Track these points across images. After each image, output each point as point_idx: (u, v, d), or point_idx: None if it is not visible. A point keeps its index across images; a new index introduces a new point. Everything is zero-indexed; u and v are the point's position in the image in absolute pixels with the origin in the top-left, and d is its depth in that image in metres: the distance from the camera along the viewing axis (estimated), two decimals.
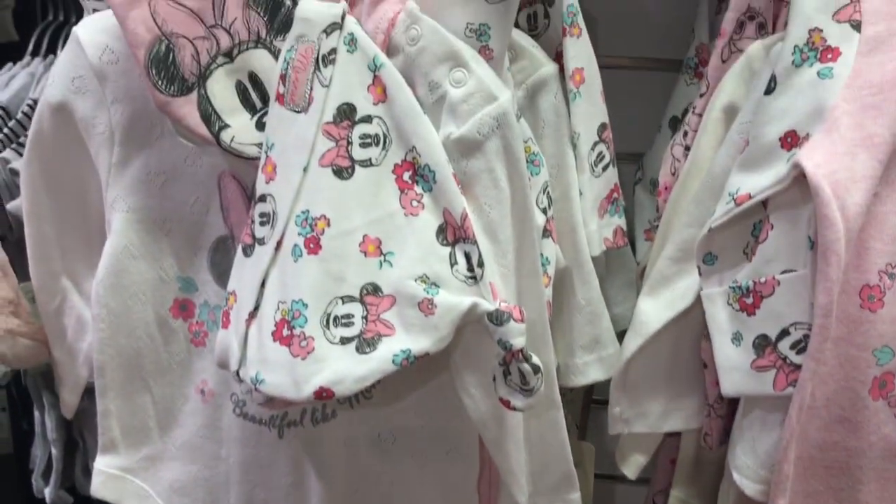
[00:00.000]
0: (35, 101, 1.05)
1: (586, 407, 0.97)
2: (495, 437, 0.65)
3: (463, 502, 0.73)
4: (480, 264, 0.60)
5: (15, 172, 1.01)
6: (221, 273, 0.71)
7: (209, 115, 0.64)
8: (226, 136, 0.64)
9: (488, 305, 0.60)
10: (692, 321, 0.71)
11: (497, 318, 0.59)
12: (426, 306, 0.59)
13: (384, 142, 0.61)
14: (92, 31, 0.67)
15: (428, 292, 0.59)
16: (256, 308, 0.63)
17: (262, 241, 0.63)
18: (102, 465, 0.77)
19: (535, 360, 0.61)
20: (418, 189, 0.61)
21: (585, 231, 0.76)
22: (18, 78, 1.14)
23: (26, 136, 0.99)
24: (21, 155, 0.94)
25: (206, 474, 0.76)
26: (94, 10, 0.69)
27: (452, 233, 0.61)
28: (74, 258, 0.77)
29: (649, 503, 0.87)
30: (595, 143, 0.76)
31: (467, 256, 0.61)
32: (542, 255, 0.70)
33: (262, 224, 0.64)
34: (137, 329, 0.73)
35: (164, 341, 0.74)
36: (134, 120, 0.68)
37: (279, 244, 0.62)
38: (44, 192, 0.74)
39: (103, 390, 0.74)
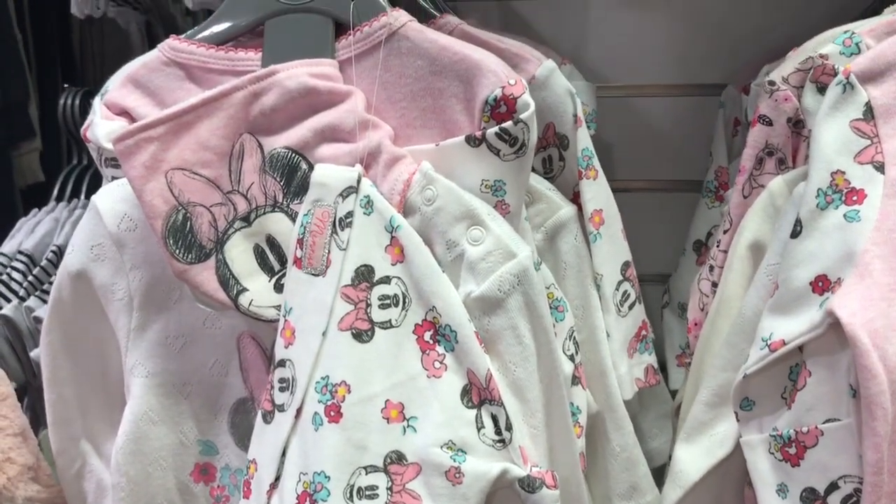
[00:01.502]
0: (59, 248, 1.07)
1: None
2: None
3: None
4: (509, 427, 0.58)
5: (39, 320, 1.01)
6: (242, 435, 0.70)
7: (227, 279, 0.64)
8: (244, 300, 0.64)
9: (519, 471, 0.58)
10: (734, 468, 0.68)
11: (529, 485, 0.57)
12: (453, 475, 0.57)
13: (404, 302, 0.60)
14: (110, 201, 0.68)
15: (455, 460, 0.57)
16: (277, 478, 0.61)
17: (281, 408, 0.62)
18: None
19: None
20: (440, 349, 0.60)
21: (616, 374, 0.73)
22: (43, 224, 1.16)
23: (50, 283, 1.01)
24: (45, 302, 0.94)
25: None
26: (113, 178, 0.70)
27: (478, 394, 0.59)
28: (94, 421, 0.76)
29: None
30: (619, 283, 0.75)
31: (494, 419, 0.59)
32: (572, 404, 0.68)
33: (281, 390, 0.62)
34: (157, 497, 0.71)
35: None
36: (152, 285, 0.68)
37: (299, 412, 0.61)
38: (63, 357, 0.73)
39: None
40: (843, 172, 0.59)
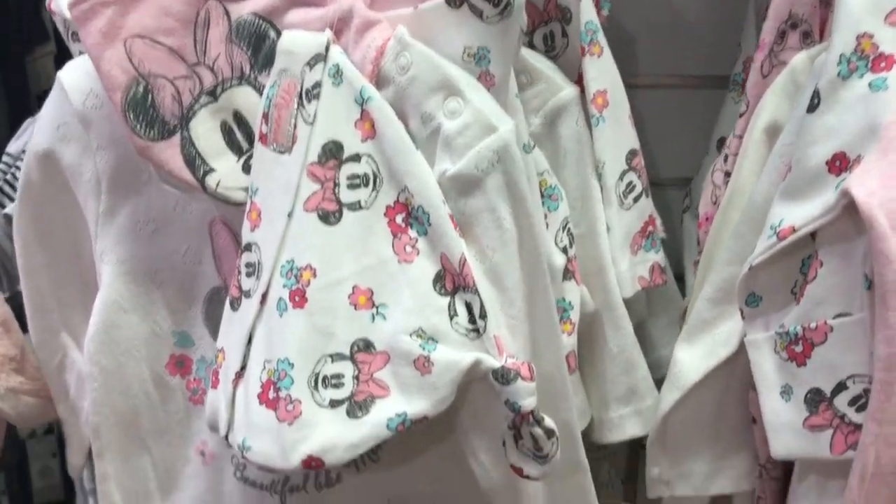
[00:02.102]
0: None
1: (633, 458, 0.89)
2: (510, 500, 0.58)
3: None
4: (483, 315, 0.54)
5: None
6: (217, 327, 0.66)
7: (193, 158, 0.60)
8: (211, 180, 0.60)
9: (493, 362, 0.53)
10: (738, 370, 0.63)
11: (503, 376, 0.53)
12: (422, 364, 0.53)
13: (374, 182, 0.56)
14: (76, 76, 0.64)
15: (424, 348, 0.53)
16: (243, 367, 0.58)
17: (248, 294, 0.59)
18: None
19: (549, 422, 0.54)
20: (412, 233, 0.55)
21: (615, 271, 0.68)
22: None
23: None
24: None
25: None
26: (80, 53, 0.66)
27: (451, 281, 0.55)
28: (72, 312, 0.73)
29: None
30: (623, 172, 0.69)
31: (468, 307, 0.54)
32: (563, 299, 0.64)
33: (248, 275, 0.59)
34: (132, 387, 0.68)
35: (162, 400, 0.69)
36: (120, 166, 0.65)
37: (264, 297, 0.57)
38: (36, 244, 0.71)
39: (100, 452, 0.70)
40: (871, 36, 0.52)
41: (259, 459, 0.55)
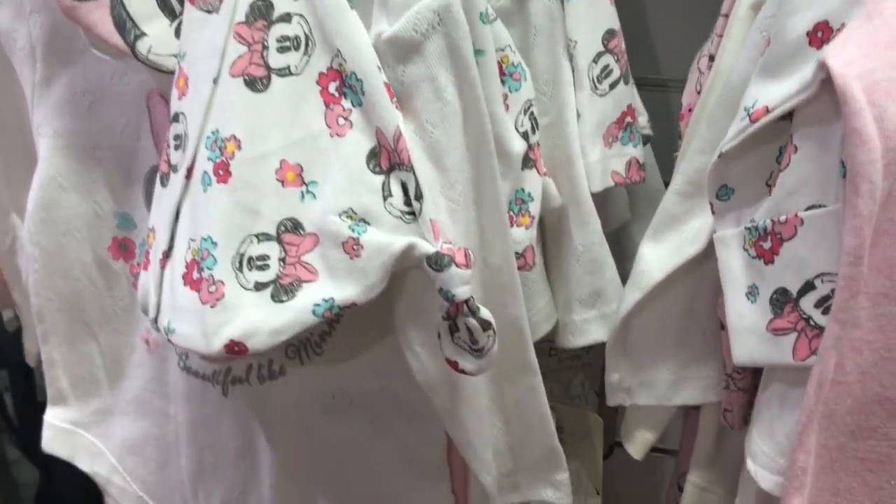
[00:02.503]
0: None
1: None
2: (447, 405, 0.55)
3: (430, 475, 0.63)
4: (419, 196, 0.49)
5: None
6: None
7: (123, 21, 0.55)
8: (142, 46, 0.55)
9: (427, 247, 0.49)
10: (709, 273, 0.58)
11: (437, 262, 0.49)
12: (351, 247, 0.49)
13: (306, 45, 0.51)
14: None
15: (354, 230, 0.49)
16: (171, 248, 0.55)
17: (175, 169, 0.55)
18: (52, 417, 0.71)
19: (485, 314, 0.50)
20: (346, 103, 0.51)
21: (584, 162, 0.63)
22: None
23: None
24: None
25: (156, 432, 0.69)
26: None
27: (387, 158, 0.50)
28: (19, 191, 0.70)
29: (674, 487, 0.75)
30: (599, 55, 0.63)
31: (404, 187, 0.50)
32: (522, 189, 0.59)
33: (176, 148, 0.55)
34: (74, 270, 0.66)
35: (107, 285, 0.67)
36: (54, 32, 0.60)
37: (190, 171, 0.53)
38: None
39: (45, 336, 0.68)
40: None
41: (182, 342, 0.52)
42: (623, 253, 0.73)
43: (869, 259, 0.44)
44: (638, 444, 0.65)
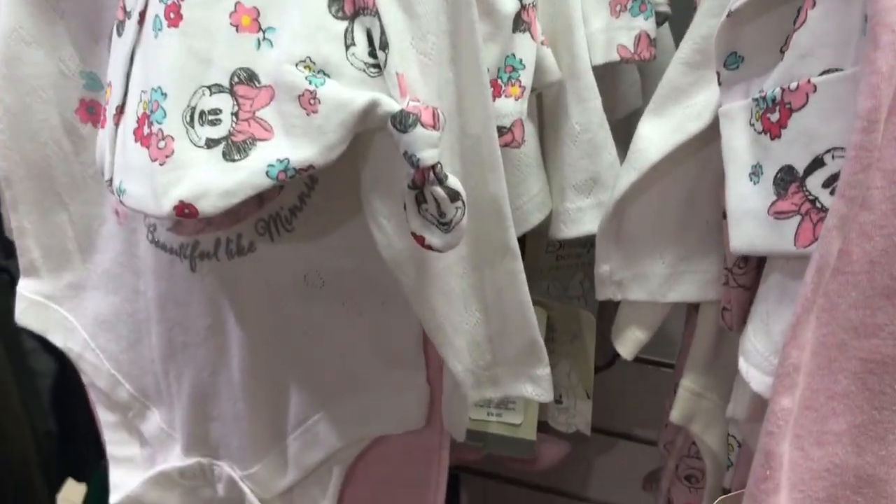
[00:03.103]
0: None
1: None
2: (415, 285, 0.51)
3: (405, 364, 0.60)
4: (384, 46, 0.44)
5: None
6: None
7: None
8: None
9: (392, 105, 0.44)
10: (716, 157, 0.52)
11: (401, 121, 0.44)
12: (308, 101, 0.45)
13: None
14: None
15: (311, 82, 0.45)
16: (125, 102, 0.51)
17: (130, 15, 0.50)
18: (25, 289, 0.69)
19: (453, 182, 0.45)
20: None
21: (586, 31, 0.57)
22: None
23: None
24: None
25: (127, 308, 0.67)
26: None
27: (352, 3, 0.45)
28: None
29: (672, 394, 0.71)
30: None
31: (368, 36, 0.45)
32: (513, 55, 0.54)
33: None
34: (41, 134, 0.62)
35: (75, 150, 0.63)
36: None
37: (143, 16, 0.49)
38: None
39: (14, 204, 0.65)
40: None
41: (133, 204, 0.49)
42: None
43: (886, 129, 0.38)
44: (629, 342, 0.61)
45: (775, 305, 0.47)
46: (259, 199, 0.57)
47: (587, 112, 0.58)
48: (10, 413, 0.90)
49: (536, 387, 0.59)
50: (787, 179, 0.44)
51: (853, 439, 0.44)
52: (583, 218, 0.61)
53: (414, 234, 0.47)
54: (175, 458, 0.69)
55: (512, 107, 0.54)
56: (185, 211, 0.46)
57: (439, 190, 0.45)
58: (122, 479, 0.72)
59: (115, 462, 0.72)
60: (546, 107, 0.60)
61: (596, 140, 0.59)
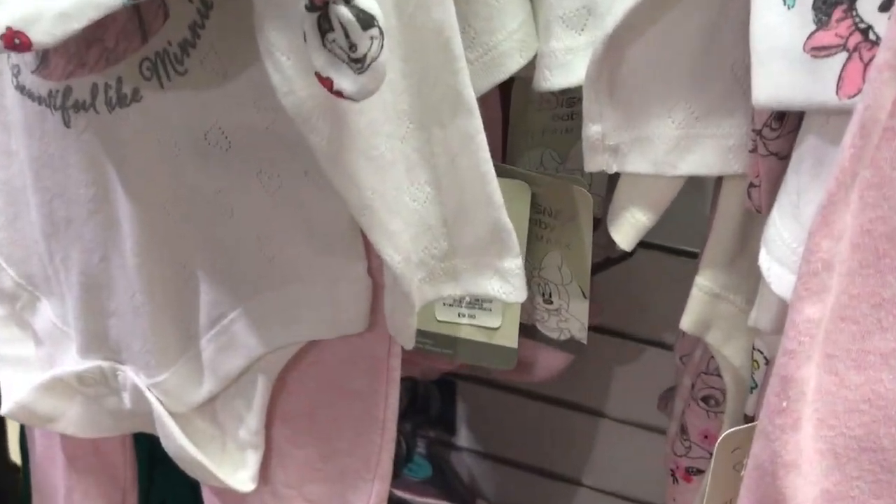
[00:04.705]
0: None
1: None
2: (328, 148, 0.44)
3: (338, 250, 0.54)
4: None
5: None
6: None
7: None
8: None
9: None
10: None
11: None
12: None
13: None
14: None
15: None
16: None
17: None
18: None
19: (365, 2, 0.38)
20: None
21: None
22: None
23: None
24: None
25: (1, 176, 0.62)
26: None
27: None
28: None
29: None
30: None
31: None
32: None
33: None
34: None
35: None
36: None
37: None
38: None
39: None
40: None
41: None
42: None
43: None
44: (626, 227, 0.53)
45: (809, 180, 0.40)
46: (141, 30, 0.51)
47: None
48: None
49: (505, 283, 0.53)
50: (831, 2, 0.36)
51: None
52: (573, 62, 0.52)
53: (319, 77, 0.40)
54: (72, 361, 0.65)
55: None
56: (14, 41, 0.40)
57: (345, 11, 0.38)
58: (15, 383, 0.68)
59: (4, 362, 0.68)
60: None
61: None
